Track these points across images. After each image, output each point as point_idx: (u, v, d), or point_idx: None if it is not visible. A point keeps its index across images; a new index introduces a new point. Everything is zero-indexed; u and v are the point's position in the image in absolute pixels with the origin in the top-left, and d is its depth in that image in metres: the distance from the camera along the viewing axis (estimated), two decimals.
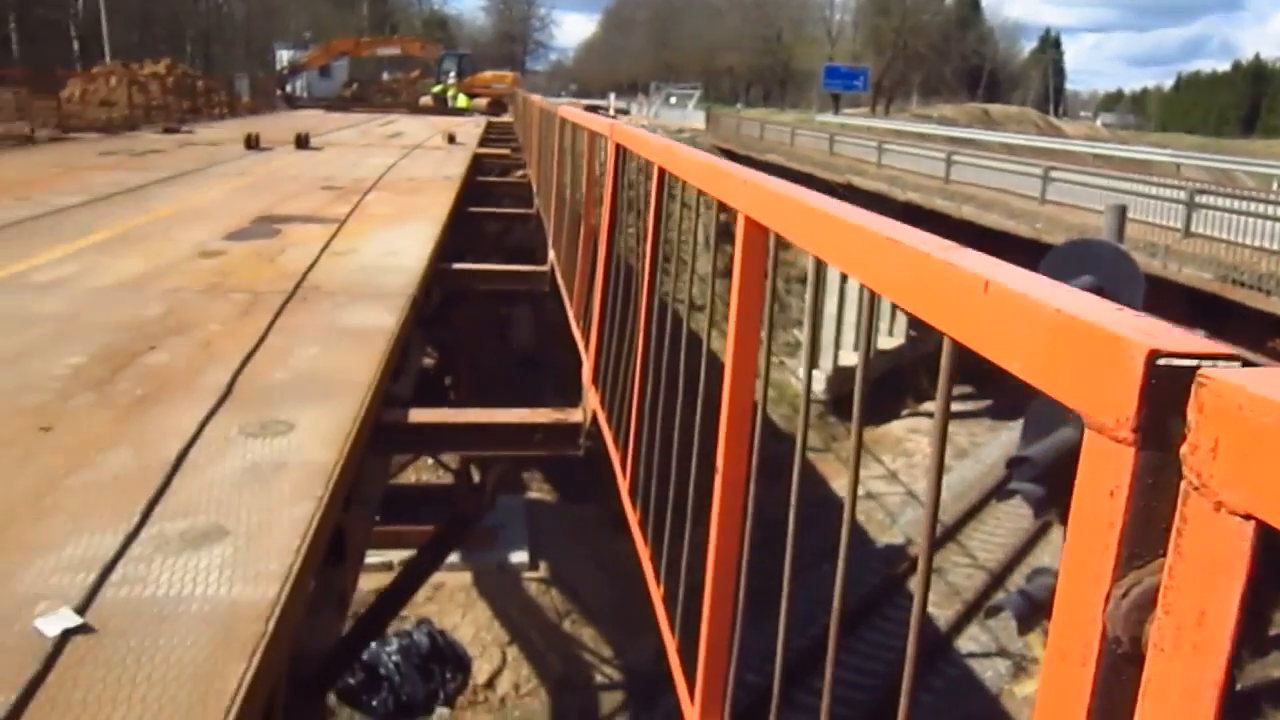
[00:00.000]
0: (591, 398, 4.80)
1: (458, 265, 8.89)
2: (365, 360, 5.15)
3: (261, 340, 5.47)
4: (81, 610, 2.80)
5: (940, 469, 1.38)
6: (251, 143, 17.21)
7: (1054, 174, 19.40)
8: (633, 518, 3.39)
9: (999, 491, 20.58)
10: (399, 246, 8.36)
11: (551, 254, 8.38)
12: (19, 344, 5.33)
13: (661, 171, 3.20)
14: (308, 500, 3.54)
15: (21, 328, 5.63)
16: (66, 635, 2.69)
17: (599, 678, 16.06)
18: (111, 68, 34.54)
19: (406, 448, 5.23)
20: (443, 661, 15.60)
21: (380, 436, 4.80)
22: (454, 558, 16.97)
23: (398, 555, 15.77)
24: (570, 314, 6.33)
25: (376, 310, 6.16)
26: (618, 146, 4.45)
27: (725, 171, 2.29)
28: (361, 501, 6.59)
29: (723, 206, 2.34)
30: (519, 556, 17.34)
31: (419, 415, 5.08)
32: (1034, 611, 9.05)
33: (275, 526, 3.34)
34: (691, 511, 2.74)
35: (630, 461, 3.63)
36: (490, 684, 15.68)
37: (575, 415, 5.05)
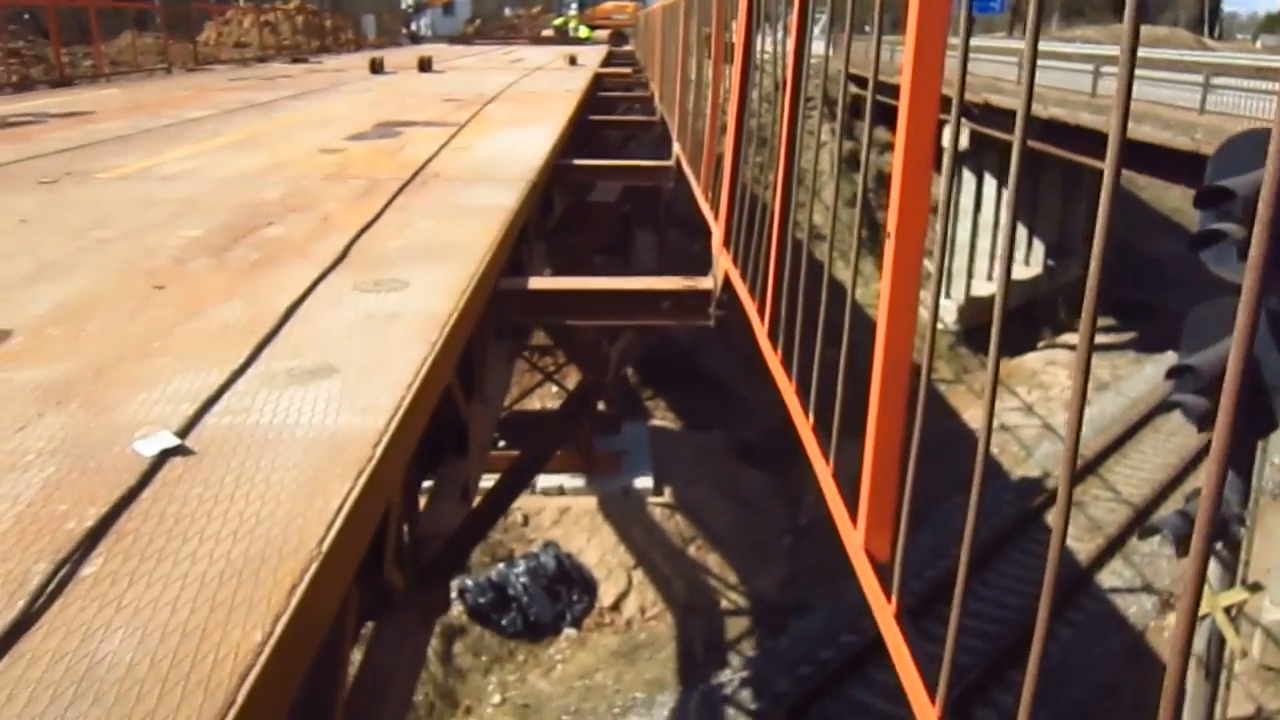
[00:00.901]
0: (723, 261, 4.44)
1: (579, 161, 8.57)
2: (482, 231, 4.90)
3: (378, 216, 5.28)
4: (182, 436, 2.61)
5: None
6: (376, 67, 17.23)
7: (1216, 81, 17.73)
8: (773, 358, 3.05)
9: (1160, 405, 19.42)
10: (519, 143, 8.11)
11: (676, 146, 8.01)
12: (140, 222, 5.26)
13: None
14: (420, 345, 3.31)
15: (144, 209, 5.57)
16: (164, 456, 2.50)
17: (724, 603, 15.90)
18: (245, 8, 35.29)
19: (525, 315, 4.98)
20: (569, 584, 15.67)
21: (499, 303, 4.55)
22: (579, 482, 17.01)
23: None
24: (698, 194, 5.97)
25: (495, 192, 5.91)
26: None
27: None
28: (484, 397, 6.42)
29: None
30: (644, 482, 17.23)
31: (539, 283, 4.81)
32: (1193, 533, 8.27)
33: (386, 367, 3.12)
34: (848, 329, 2.37)
35: (769, 306, 3.28)
36: (616, 606, 15.69)
37: (705, 283, 4.70)
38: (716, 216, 4.90)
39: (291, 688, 1.92)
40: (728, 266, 4.27)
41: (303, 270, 4.19)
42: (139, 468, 2.44)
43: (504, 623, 14.96)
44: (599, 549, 16.29)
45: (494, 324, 4.97)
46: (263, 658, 1.76)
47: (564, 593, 15.52)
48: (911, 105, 1.92)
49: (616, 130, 12.46)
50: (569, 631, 15.11)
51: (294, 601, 1.92)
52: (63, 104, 11.96)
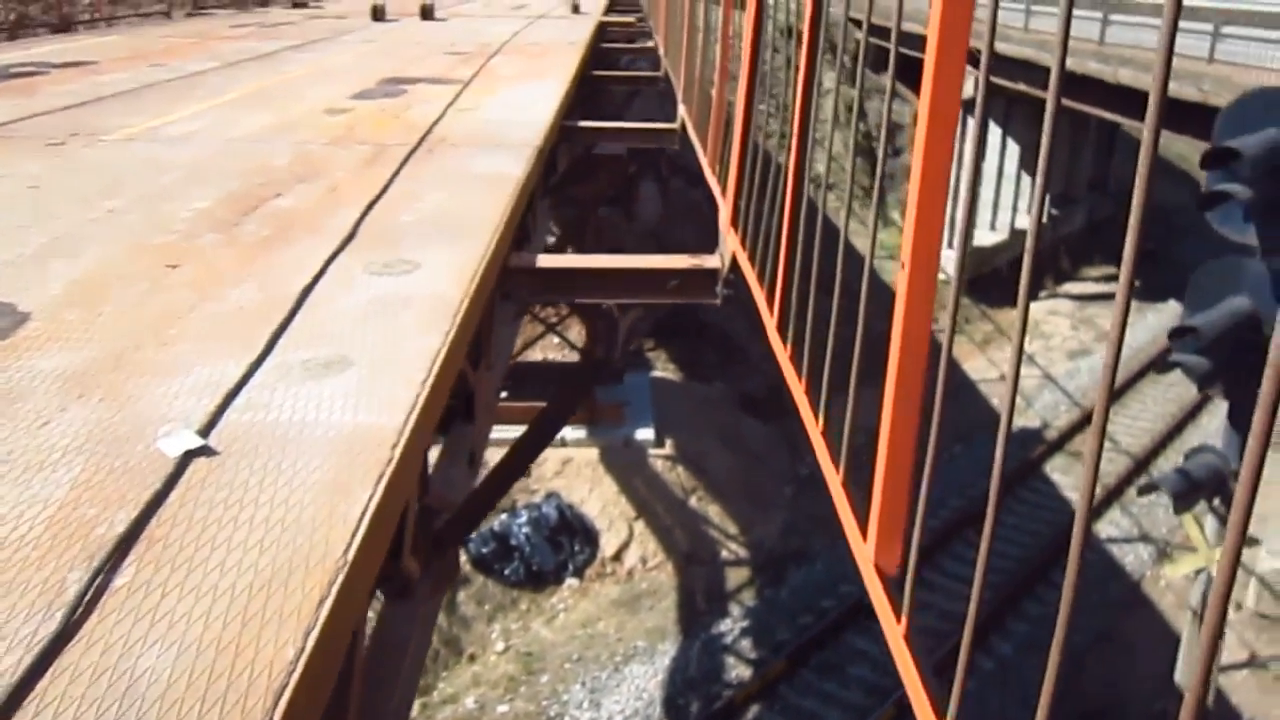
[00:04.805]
0: (730, 240, 4.46)
1: (584, 122, 8.53)
2: (492, 205, 4.91)
3: (386, 187, 5.28)
4: (204, 434, 2.66)
5: None
6: (378, 14, 17.00)
7: (1226, 30, 17.50)
8: (783, 353, 3.08)
9: (1159, 364, 19.46)
10: (524, 102, 8.05)
11: (682, 109, 7.96)
12: (149, 189, 5.27)
13: None
14: (433, 334, 3.34)
15: (152, 175, 5.57)
16: (189, 456, 2.56)
17: (725, 553, 16.08)
18: None
19: (535, 294, 5.01)
20: (571, 534, 15.83)
21: (508, 281, 4.57)
22: (581, 433, 17.10)
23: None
24: (704, 163, 5.95)
25: (503, 159, 5.90)
26: None
27: None
28: (490, 362, 6.46)
29: None
30: (645, 433, 17.31)
31: (547, 261, 4.84)
32: (1192, 490, 8.35)
33: (400, 358, 3.16)
34: (860, 343, 2.41)
35: (779, 297, 3.30)
36: (618, 557, 15.87)
37: (712, 261, 4.72)
38: (724, 191, 4.90)
39: (323, 698, 1.99)
40: (735, 247, 4.28)
41: (313, 249, 4.21)
42: (164, 469, 2.49)
43: (507, 572, 15.15)
44: (601, 500, 16.44)
45: (502, 296, 4.99)
46: (296, 674, 1.83)
47: (566, 543, 15.69)
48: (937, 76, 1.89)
49: (621, 86, 12.35)
50: (571, 581, 15.31)
51: (323, 615, 1.98)
52: (64, 52, 11.84)
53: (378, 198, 5.05)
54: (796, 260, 3.14)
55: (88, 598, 2.02)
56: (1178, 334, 8.53)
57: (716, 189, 5.15)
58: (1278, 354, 0.94)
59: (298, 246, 4.27)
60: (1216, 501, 10.13)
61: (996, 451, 1.61)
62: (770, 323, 3.33)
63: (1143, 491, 9.19)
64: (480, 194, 5.12)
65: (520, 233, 6.17)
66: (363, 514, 2.31)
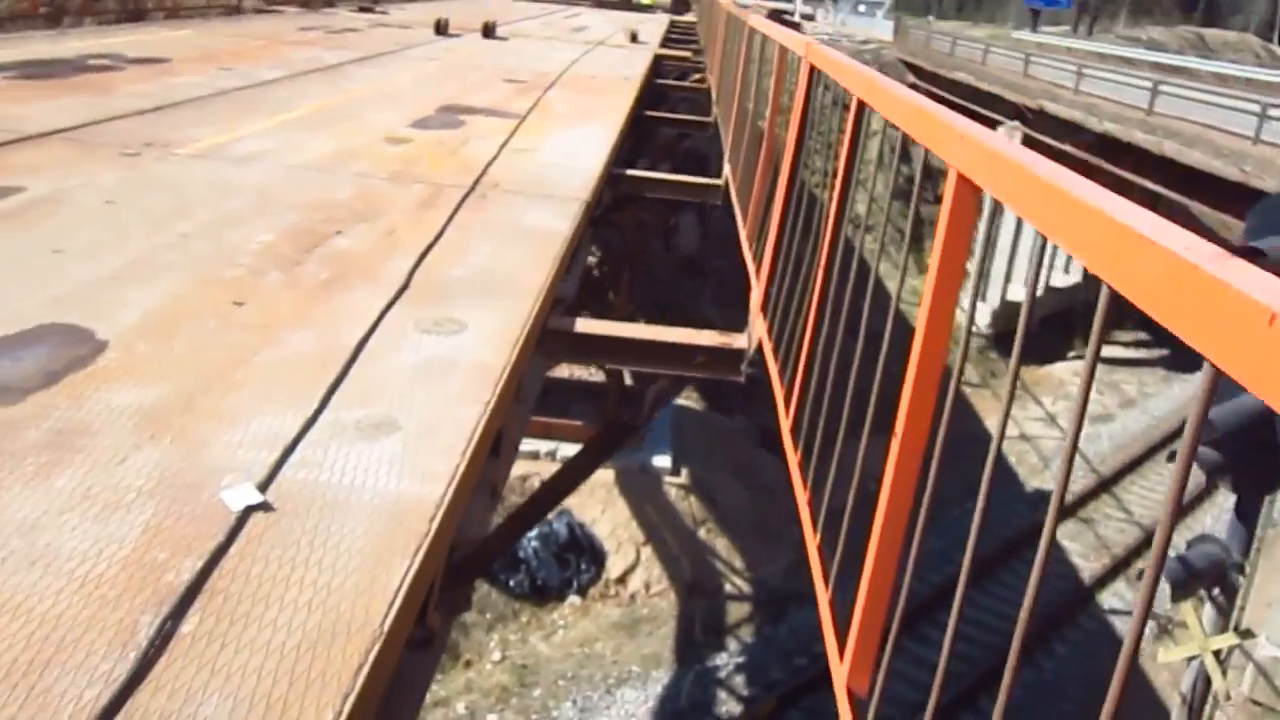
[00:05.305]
0: (759, 326, 4.72)
1: (631, 171, 8.85)
2: (537, 264, 5.21)
3: (440, 234, 5.60)
4: (263, 487, 2.96)
5: None
6: (440, 28, 17.45)
7: (1272, 111, 17.64)
8: (793, 459, 3.34)
9: (1170, 452, 19.57)
10: (576, 148, 8.37)
11: (727, 168, 8.24)
12: (218, 214, 5.61)
13: (860, 105, 3.05)
14: (475, 404, 3.63)
15: (221, 198, 5.92)
16: (249, 510, 2.85)
17: (728, 587, 16.31)
18: None
19: (570, 356, 5.31)
20: (579, 552, 16.13)
21: (545, 341, 4.87)
22: None
23: (545, 445, 16.32)
24: (743, 235, 6.22)
25: (551, 213, 6.20)
26: (812, 68, 4.27)
27: (936, 118, 2.15)
28: (520, 400, 6.76)
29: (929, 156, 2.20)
30: (662, 460, 17.58)
31: (585, 325, 5.12)
32: (1191, 579, 8.51)
33: (443, 426, 3.44)
34: (860, 467, 2.67)
35: (795, 399, 3.56)
36: (622, 579, 16.14)
37: (740, 341, 4.99)
38: (759, 271, 5.16)
39: None
40: (762, 335, 4.55)
41: (369, 298, 4.52)
42: (226, 521, 2.79)
43: (511, 583, 15.46)
44: (611, 521, 16.71)
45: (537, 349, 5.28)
46: None
47: (573, 560, 15.98)
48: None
49: (671, 127, 12.68)
50: (573, 599, 15.58)
51: (359, 681, 2.26)
52: (138, 45, 12.29)
53: (431, 245, 5.36)
54: (814, 373, 3.40)
55: (157, 643, 2.31)
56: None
57: (751, 266, 5.42)
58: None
59: (354, 294, 4.58)
60: (1216, 591, 10.27)
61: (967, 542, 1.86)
62: (785, 423, 3.59)
63: (1142, 576, 9.36)
64: (528, 251, 5.42)
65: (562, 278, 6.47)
66: (399, 587, 2.59)
